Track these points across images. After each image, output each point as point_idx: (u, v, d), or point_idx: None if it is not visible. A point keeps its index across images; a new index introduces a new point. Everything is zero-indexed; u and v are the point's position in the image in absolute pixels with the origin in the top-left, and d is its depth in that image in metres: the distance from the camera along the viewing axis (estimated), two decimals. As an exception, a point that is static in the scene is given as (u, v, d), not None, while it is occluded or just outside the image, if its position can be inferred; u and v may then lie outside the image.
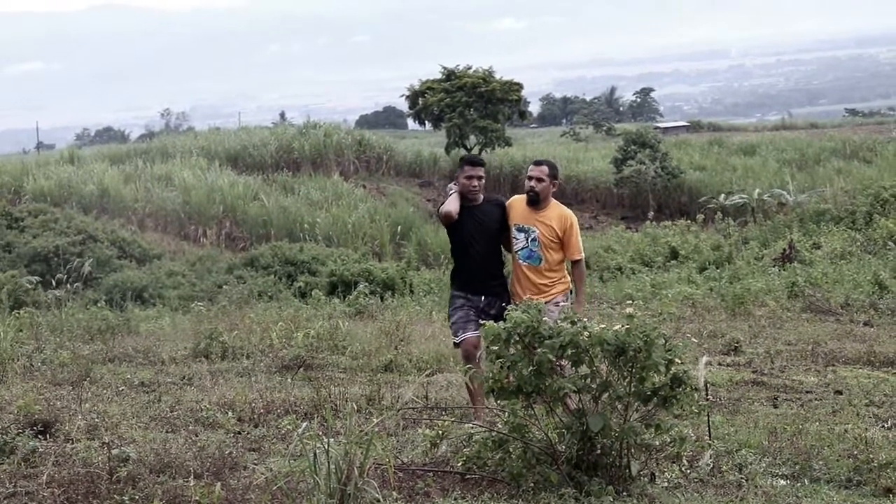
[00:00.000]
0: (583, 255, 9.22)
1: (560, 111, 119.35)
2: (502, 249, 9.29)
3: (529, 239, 8.96)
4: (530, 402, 6.30)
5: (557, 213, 9.12)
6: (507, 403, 6.29)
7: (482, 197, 9.18)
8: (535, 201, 9.03)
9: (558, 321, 8.36)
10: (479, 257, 9.06)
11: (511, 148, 55.00)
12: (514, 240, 9.02)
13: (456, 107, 51.71)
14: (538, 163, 9.22)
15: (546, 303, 8.44)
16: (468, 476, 6.57)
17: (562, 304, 8.78)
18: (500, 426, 6.52)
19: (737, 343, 12.50)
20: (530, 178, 9.08)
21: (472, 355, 8.61)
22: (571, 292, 9.05)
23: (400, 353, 12.14)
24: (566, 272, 9.12)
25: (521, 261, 8.99)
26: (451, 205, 9.03)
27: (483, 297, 8.98)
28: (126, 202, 44.85)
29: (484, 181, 9.20)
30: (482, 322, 8.50)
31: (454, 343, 9.01)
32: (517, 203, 9.18)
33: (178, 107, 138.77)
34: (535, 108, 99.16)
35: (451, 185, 9.47)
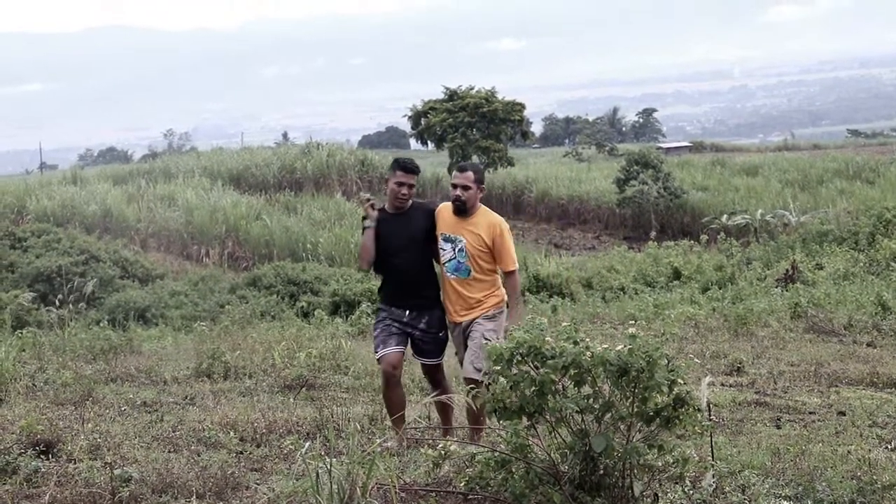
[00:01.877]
0: (516, 265, 8.74)
1: (562, 131, 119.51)
2: (433, 262, 8.83)
3: (456, 249, 8.53)
4: (533, 422, 6.28)
5: (486, 220, 8.60)
6: (510, 424, 6.28)
7: (409, 203, 8.69)
8: (462, 210, 8.54)
9: (488, 335, 8.35)
10: (404, 269, 8.60)
11: (513, 168, 55.14)
12: (441, 251, 8.62)
13: (458, 127, 51.88)
14: (462, 168, 8.75)
15: (474, 320, 8.49)
16: (471, 496, 6.55)
17: (496, 317, 8.52)
18: (502, 446, 6.51)
19: (739, 363, 12.48)
20: (455, 185, 8.59)
21: (391, 374, 8.46)
22: (507, 305, 8.66)
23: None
24: (499, 285, 8.67)
25: (448, 274, 8.60)
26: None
27: (408, 312, 8.60)
28: (129, 222, 44.96)
29: (414, 189, 8.73)
30: (409, 336, 8.63)
31: (376, 360, 8.72)
32: (445, 211, 8.71)
33: (180, 127, 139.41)
34: (537, 128, 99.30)
35: (362, 193, 9.24)
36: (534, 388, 6.04)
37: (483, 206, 8.73)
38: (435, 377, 8.88)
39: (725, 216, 41.51)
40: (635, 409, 5.98)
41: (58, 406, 10.55)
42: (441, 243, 8.59)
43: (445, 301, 8.68)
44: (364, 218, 8.81)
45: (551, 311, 19.56)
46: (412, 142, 68.57)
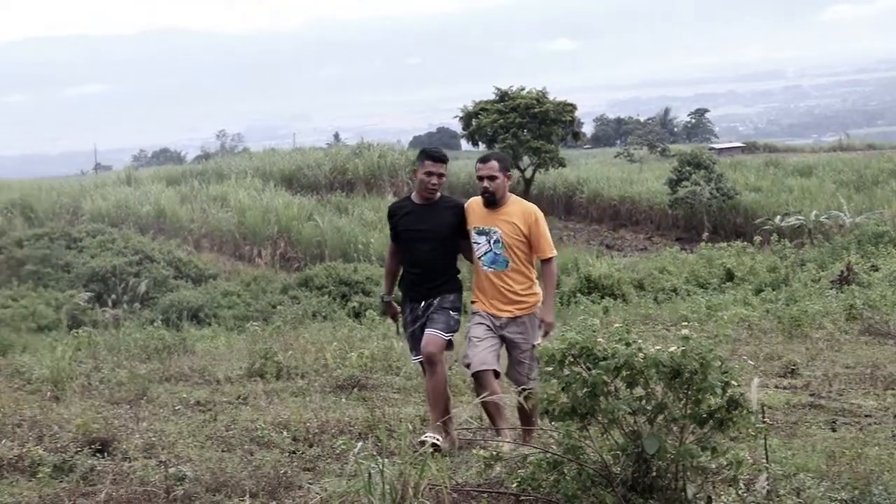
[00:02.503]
0: (554, 251, 8.52)
1: (614, 132, 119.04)
2: (458, 259, 8.72)
3: (492, 241, 8.36)
4: (585, 423, 6.26)
5: (520, 208, 8.46)
6: (562, 425, 6.26)
7: (438, 196, 8.61)
8: (493, 201, 8.41)
9: (534, 341, 8.24)
10: (425, 259, 8.48)
11: (565, 169, 54.95)
12: (474, 245, 8.46)
13: (509, 128, 51.78)
14: (485, 159, 8.56)
15: (516, 318, 8.38)
16: (523, 497, 6.53)
17: (535, 317, 8.40)
18: (554, 447, 6.49)
19: (794, 366, 12.36)
20: (481, 177, 8.44)
21: (427, 355, 8.32)
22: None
23: (454, 374, 12.12)
24: (535, 281, 8.52)
25: (485, 267, 8.42)
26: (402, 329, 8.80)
27: (423, 303, 8.51)
28: (182, 223, 45.30)
29: (444, 180, 8.64)
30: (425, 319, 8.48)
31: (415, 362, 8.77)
32: (475, 205, 8.57)
33: (233, 128, 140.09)
34: (588, 128, 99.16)
35: (387, 298, 8.95)
36: (586, 389, 6.01)
37: (513, 194, 8.61)
38: (433, 357, 8.36)
39: (779, 217, 41.15)
40: (688, 411, 5.94)
41: (113, 405, 10.66)
42: (475, 237, 8.44)
43: (479, 295, 8.52)
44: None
45: (603, 312, 19.50)
46: (463, 142, 68.51)
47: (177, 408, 10.52)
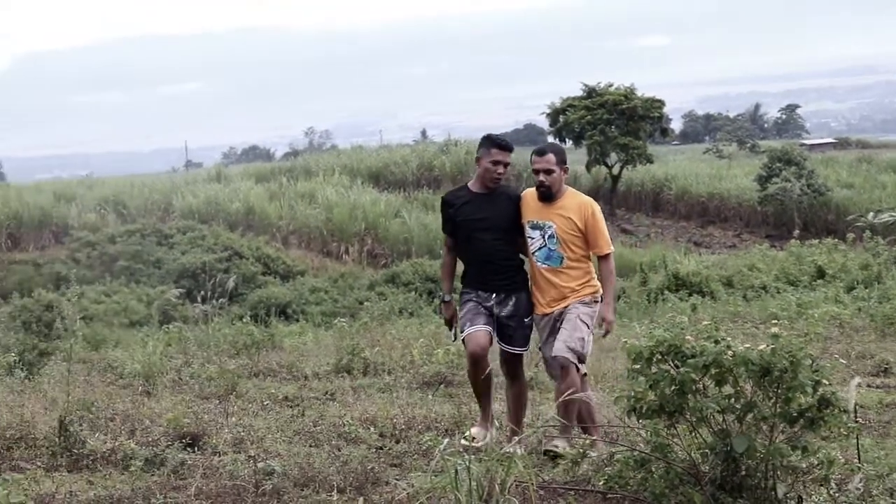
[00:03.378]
0: (611, 248, 8.24)
1: (703, 128, 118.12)
2: (520, 253, 8.37)
3: (546, 236, 8.06)
4: (673, 421, 6.21)
5: (576, 202, 8.15)
6: (649, 423, 6.22)
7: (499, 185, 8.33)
8: (548, 195, 8.11)
9: (584, 318, 7.98)
10: (489, 250, 8.16)
11: (652, 165, 54.55)
12: (528, 240, 8.16)
13: (597, 124, 51.55)
14: (541, 151, 8.22)
15: (568, 306, 8.05)
16: (610, 495, 6.50)
17: (592, 304, 8.08)
18: (642, 445, 6.46)
19: (887, 365, 12.16)
20: (537, 171, 8.13)
21: (478, 354, 8.06)
22: (601, 299, 8.18)
23: (540, 370, 12.08)
24: (593, 275, 8.21)
25: (539, 263, 8.12)
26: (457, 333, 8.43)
27: (494, 295, 8.18)
28: (270, 219, 45.66)
29: (508, 170, 8.33)
30: (497, 320, 8.18)
31: (462, 340, 8.32)
32: (529, 198, 8.25)
33: (321, 125, 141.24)
34: (677, 124, 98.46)
35: (447, 298, 8.66)
36: (674, 387, 5.97)
37: (570, 187, 8.35)
38: (516, 369, 8.44)
39: (871, 214, 40.45)
40: (778, 410, 5.88)
41: (203, 400, 10.79)
42: (528, 231, 8.15)
43: (536, 294, 8.23)
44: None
45: (691, 309, 19.33)
46: (550, 139, 68.35)
47: (265, 403, 10.62)
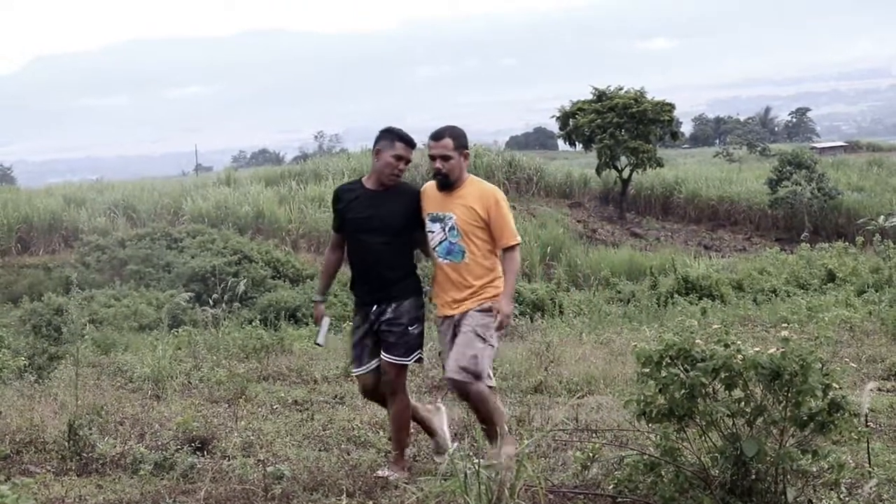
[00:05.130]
0: (518, 239, 7.50)
1: (713, 131, 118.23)
2: (414, 255, 7.86)
3: (447, 228, 7.42)
4: (682, 425, 6.19)
5: (478, 190, 7.50)
6: (659, 427, 6.21)
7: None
8: (447, 183, 7.44)
9: (480, 331, 7.31)
10: (373, 251, 7.54)
11: (663, 169, 54.50)
12: (429, 234, 7.52)
13: (607, 127, 51.49)
14: (437, 136, 7.53)
15: (466, 312, 7.41)
16: (619, 499, 6.49)
17: (493, 312, 7.37)
18: (651, 449, 6.44)
19: (898, 368, 12.13)
20: (433, 157, 7.46)
21: (370, 394, 7.80)
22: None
23: (550, 375, 12.09)
24: (499, 274, 7.50)
25: (440, 258, 7.48)
26: (321, 338, 7.94)
27: (375, 307, 7.59)
28: (280, 223, 45.66)
29: (408, 165, 7.70)
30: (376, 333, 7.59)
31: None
32: (429, 190, 7.61)
33: (331, 129, 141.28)
34: (687, 128, 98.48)
35: (316, 298, 8.25)
36: (683, 390, 5.96)
37: (472, 175, 7.69)
38: (394, 383, 7.66)
39: (882, 217, 40.35)
40: (788, 414, 5.86)
41: (212, 403, 10.80)
42: (429, 225, 7.52)
43: (438, 293, 7.61)
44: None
45: (701, 313, 19.30)
46: (560, 142, 68.32)
47: (275, 407, 10.63)
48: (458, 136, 7.54)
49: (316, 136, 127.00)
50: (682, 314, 18.92)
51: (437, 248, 7.49)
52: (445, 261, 7.46)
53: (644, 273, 31.29)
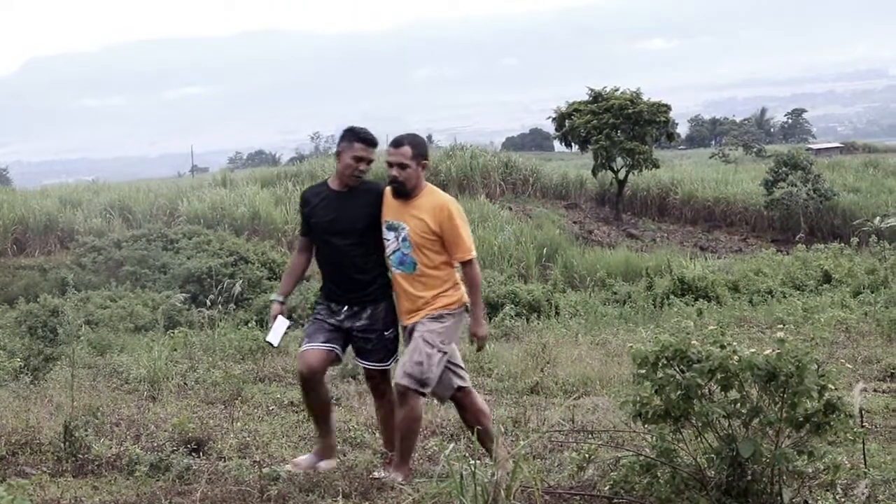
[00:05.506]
0: (473, 253, 7.38)
1: (709, 132, 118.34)
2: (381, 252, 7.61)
3: (400, 238, 7.32)
4: (678, 426, 6.19)
5: (431, 202, 7.33)
6: (655, 428, 6.21)
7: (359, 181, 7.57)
8: (403, 192, 7.32)
9: (429, 338, 7.24)
10: (342, 254, 7.46)
11: (659, 170, 54.50)
12: (385, 242, 7.43)
13: (603, 129, 51.47)
14: (396, 143, 7.39)
15: (419, 321, 7.34)
16: (616, 501, 6.49)
17: (444, 318, 7.33)
18: (647, 450, 6.45)
19: (893, 369, 12.15)
20: (390, 164, 7.31)
21: (306, 375, 7.47)
22: (467, 309, 7.46)
23: (546, 376, 12.09)
24: (456, 284, 7.44)
25: (393, 268, 7.42)
26: (272, 336, 7.78)
27: (346, 308, 7.50)
28: (276, 224, 45.64)
29: (371, 165, 7.55)
30: (348, 334, 7.51)
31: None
32: (387, 195, 7.49)
33: (327, 130, 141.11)
34: (683, 129, 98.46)
35: (275, 297, 8.02)
36: (679, 392, 5.96)
37: (430, 185, 7.53)
38: (379, 386, 7.76)
39: (878, 218, 40.41)
40: (784, 415, 5.87)
41: (208, 405, 10.79)
42: (385, 233, 7.42)
43: (395, 300, 7.58)
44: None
45: (697, 314, 19.31)
46: (556, 143, 68.39)
47: (270, 408, 10.63)
48: (417, 145, 7.40)
49: (312, 137, 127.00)
50: (678, 315, 18.95)
51: (390, 258, 7.43)
52: (398, 271, 7.39)
53: (640, 274, 31.28)
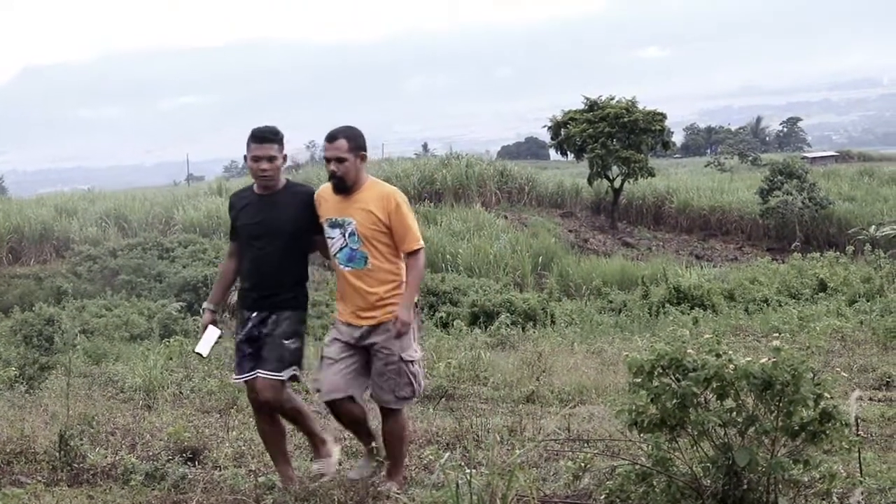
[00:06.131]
0: (421, 243, 7.18)
1: (704, 141, 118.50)
2: (306, 263, 7.41)
3: (346, 234, 7.06)
4: (674, 435, 6.19)
5: (377, 193, 7.11)
6: (650, 437, 6.21)
7: (283, 182, 7.27)
8: (343, 187, 7.06)
9: (407, 356, 7.11)
10: (261, 260, 7.17)
11: (654, 178, 54.56)
12: (329, 241, 7.16)
13: (598, 137, 51.53)
14: (331, 137, 7.14)
15: (380, 325, 7.09)
16: (611, 509, 6.49)
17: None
18: (643, 459, 6.44)
19: (889, 378, 12.14)
20: (328, 160, 7.09)
21: (261, 402, 7.19)
22: (417, 304, 7.24)
23: (542, 384, 12.09)
24: (404, 275, 7.19)
25: (341, 265, 7.12)
26: (202, 346, 7.42)
27: (255, 314, 7.19)
28: (272, 233, 45.66)
29: (283, 163, 7.23)
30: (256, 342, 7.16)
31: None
32: (326, 194, 7.22)
33: (322, 138, 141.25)
34: (678, 138, 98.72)
35: (206, 306, 7.67)
36: (675, 400, 5.96)
37: (372, 177, 7.29)
38: (270, 399, 7.27)
39: (873, 227, 40.47)
40: (780, 424, 5.86)
41: (203, 414, 10.78)
42: (328, 231, 7.16)
43: (339, 303, 7.33)
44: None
45: (692, 322, 19.32)
46: (552, 152, 68.46)
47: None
48: (353, 138, 7.14)
49: (308, 146, 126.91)
50: (673, 324, 18.92)
51: (337, 255, 7.15)
52: (347, 268, 7.12)
53: (635, 282, 31.30)
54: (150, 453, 8.39)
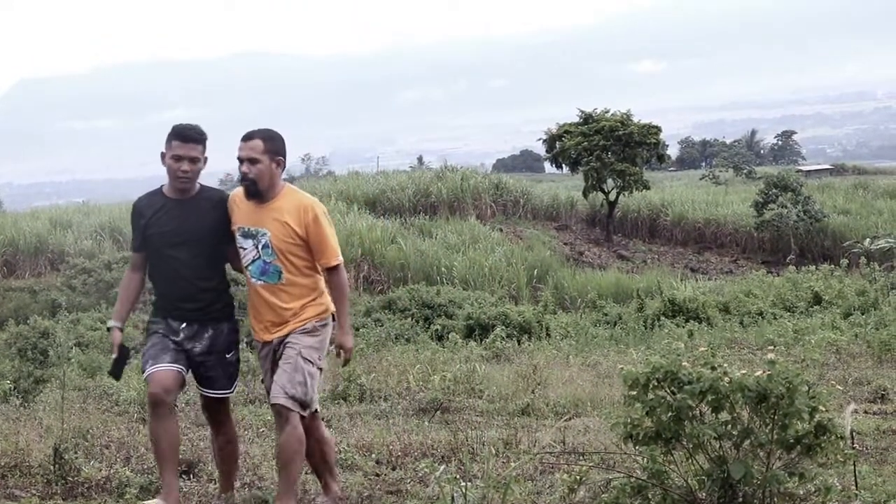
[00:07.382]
0: (340, 259, 6.84)
1: (699, 154, 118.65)
2: (226, 270, 7.10)
3: (260, 246, 6.66)
4: (669, 448, 6.18)
5: (294, 203, 6.67)
6: (646, 449, 6.20)
7: (197, 188, 6.85)
8: (255, 192, 6.63)
9: (307, 354, 6.65)
10: (180, 268, 6.73)
11: (649, 191, 54.57)
12: (241, 251, 6.76)
13: (593, 150, 51.54)
14: (246, 137, 6.74)
15: (288, 333, 6.74)
16: (606, 522, 6.48)
17: (317, 331, 6.76)
18: (639, 472, 6.43)
19: (884, 391, 12.15)
20: (240, 160, 6.64)
21: (159, 399, 6.69)
22: (333, 317, 6.87)
23: (537, 397, 12.09)
24: (323, 291, 6.85)
25: (253, 279, 6.75)
26: (116, 368, 7.10)
27: (184, 325, 6.81)
28: (268, 246, 45.61)
29: (203, 166, 6.80)
30: (188, 357, 6.88)
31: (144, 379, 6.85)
32: (239, 200, 6.81)
33: (317, 151, 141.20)
34: (673, 151, 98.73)
35: (112, 324, 7.14)
36: (670, 413, 5.96)
37: (290, 185, 6.87)
38: (217, 416, 7.27)
39: (868, 240, 40.55)
40: (775, 436, 5.86)
41: (198, 427, 10.74)
42: (240, 241, 6.74)
43: (251, 317, 6.95)
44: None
45: (688, 335, 19.32)
46: (546, 165, 68.45)
47: (261, 430, 10.60)
48: (270, 139, 6.74)
49: (303, 159, 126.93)
50: (668, 336, 18.95)
51: (249, 268, 6.75)
52: (259, 281, 6.74)
53: (631, 295, 31.27)
54: (145, 466, 8.37)
